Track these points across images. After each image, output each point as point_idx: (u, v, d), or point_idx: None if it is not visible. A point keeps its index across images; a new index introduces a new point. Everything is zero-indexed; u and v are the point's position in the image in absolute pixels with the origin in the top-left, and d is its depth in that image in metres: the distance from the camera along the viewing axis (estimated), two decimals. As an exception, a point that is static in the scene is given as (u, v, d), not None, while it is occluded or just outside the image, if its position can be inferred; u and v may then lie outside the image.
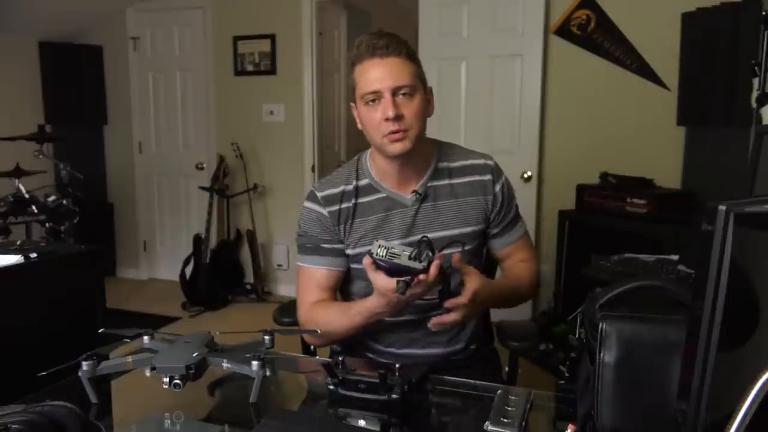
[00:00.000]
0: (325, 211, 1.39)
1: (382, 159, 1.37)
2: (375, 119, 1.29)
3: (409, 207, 1.39)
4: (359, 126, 1.37)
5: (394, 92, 1.27)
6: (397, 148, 1.29)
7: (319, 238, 1.41)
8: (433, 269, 1.11)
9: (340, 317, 1.34)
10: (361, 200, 1.40)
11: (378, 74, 1.27)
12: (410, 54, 1.30)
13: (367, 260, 1.15)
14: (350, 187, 1.41)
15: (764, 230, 0.57)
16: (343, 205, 1.39)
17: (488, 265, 1.59)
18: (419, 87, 1.31)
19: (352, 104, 1.37)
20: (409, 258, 1.09)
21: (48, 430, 0.78)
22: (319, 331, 1.32)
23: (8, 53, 4.40)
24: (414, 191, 1.39)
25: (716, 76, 2.98)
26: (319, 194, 1.41)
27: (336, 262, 1.42)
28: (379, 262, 1.12)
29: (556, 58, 3.58)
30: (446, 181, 1.41)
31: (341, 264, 1.42)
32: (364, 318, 1.29)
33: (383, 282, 1.15)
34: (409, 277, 1.10)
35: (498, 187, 1.43)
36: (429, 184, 1.40)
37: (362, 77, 1.29)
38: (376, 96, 1.28)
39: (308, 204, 1.42)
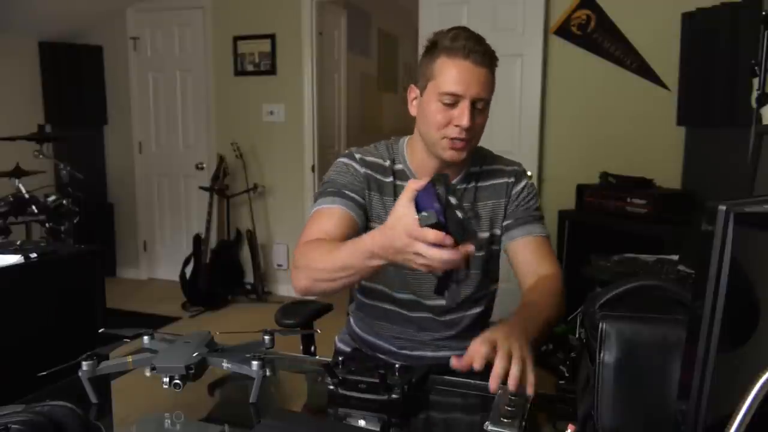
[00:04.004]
0: (361, 170, 1.35)
1: (424, 154, 1.34)
2: (443, 119, 1.25)
3: None
4: (413, 112, 1.34)
5: (473, 101, 1.23)
6: (453, 156, 1.27)
7: (345, 185, 1.33)
8: (461, 251, 0.87)
9: (331, 251, 1.12)
10: (397, 182, 1.37)
11: (466, 78, 1.22)
12: (494, 70, 1.28)
13: (414, 183, 0.92)
14: (387, 164, 1.37)
15: (764, 230, 0.57)
16: (378, 176, 1.35)
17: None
18: (490, 103, 1.29)
19: (413, 86, 1.33)
20: (460, 219, 0.87)
21: (48, 430, 0.78)
22: (318, 331, 1.31)
23: (8, 53, 4.40)
24: None
25: (716, 76, 2.98)
26: (358, 155, 1.37)
27: (354, 209, 1.31)
28: (430, 194, 0.88)
29: (556, 58, 3.58)
30: (472, 185, 1.39)
31: (358, 215, 1.31)
32: (357, 253, 1.03)
33: (406, 209, 0.90)
34: (441, 219, 0.85)
35: (517, 188, 1.40)
36: (459, 187, 1.38)
37: (447, 72, 1.23)
38: (455, 99, 1.23)
39: (344, 159, 1.37)
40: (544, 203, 3.65)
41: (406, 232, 0.89)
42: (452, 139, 1.25)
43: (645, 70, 3.40)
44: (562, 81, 3.59)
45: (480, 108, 1.25)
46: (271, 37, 4.38)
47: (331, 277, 1.10)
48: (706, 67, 3.05)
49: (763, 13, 2.17)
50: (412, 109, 1.33)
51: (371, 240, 0.99)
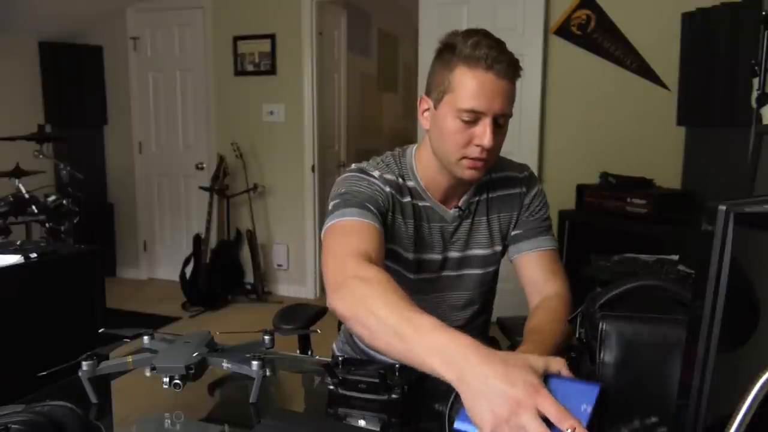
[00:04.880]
0: (386, 189, 1.20)
1: (436, 169, 1.23)
2: (462, 138, 1.13)
3: (449, 223, 1.28)
4: (425, 126, 1.21)
5: (496, 118, 1.13)
6: (473, 175, 1.17)
7: (368, 197, 1.17)
8: None
9: (396, 302, 0.86)
10: (414, 201, 1.26)
11: (489, 93, 1.10)
12: (517, 80, 1.17)
13: (565, 368, 0.76)
14: (400, 181, 1.24)
15: (764, 230, 0.57)
16: (396, 195, 1.23)
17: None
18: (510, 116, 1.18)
19: (426, 98, 1.20)
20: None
21: (48, 430, 0.78)
22: (319, 331, 1.30)
23: (8, 53, 4.40)
24: (457, 206, 1.28)
25: (716, 76, 2.98)
26: (376, 173, 1.22)
27: (380, 224, 1.14)
28: (581, 403, 0.68)
29: (556, 58, 3.58)
30: (484, 196, 1.31)
31: (382, 230, 1.15)
32: (433, 345, 0.76)
33: (538, 372, 0.71)
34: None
35: (528, 199, 1.34)
36: (471, 200, 1.30)
37: (466, 86, 1.11)
38: (476, 116, 1.12)
39: (360, 174, 1.22)
40: (544, 203, 3.67)
41: (533, 385, 0.67)
42: (473, 159, 1.14)
43: (645, 70, 3.40)
44: (562, 81, 3.59)
45: (501, 124, 1.15)
46: (271, 37, 4.38)
47: (375, 330, 0.86)
48: (706, 67, 3.05)
49: (763, 13, 2.17)
50: (424, 122, 1.21)
51: (465, 347, 0.72)
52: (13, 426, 0.75)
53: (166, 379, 0.99)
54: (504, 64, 1.11)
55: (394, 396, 1.00)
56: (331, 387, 1.03)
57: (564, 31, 3.54)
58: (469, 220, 1.31)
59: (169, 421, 1.01)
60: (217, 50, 4.54)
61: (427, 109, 1.21)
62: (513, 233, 1.33)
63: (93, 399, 1.02)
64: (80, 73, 4.77)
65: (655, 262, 2.49)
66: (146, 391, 1.11)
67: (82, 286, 2.08)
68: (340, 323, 1.65)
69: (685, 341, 0.61)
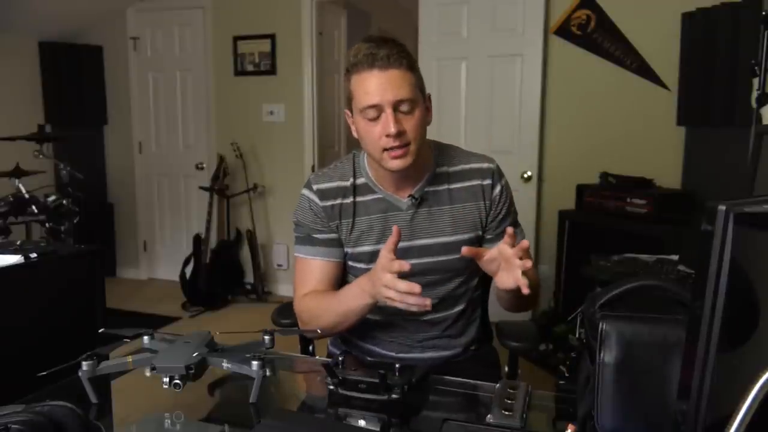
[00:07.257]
0: (320, 203, 1.37)
1: (377, 165, 1.34)
2: (374, 134, 1.24)
3: (404, 211, 1.36)
4: (355, 134, 1.33)
5: (395, 106, 1.21)
6: (398, 165, 1.25)
7: (311, 227, 1.38)
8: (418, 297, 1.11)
9: (330, 304, 1.32)
10: (358, 199, 1.37)
11: (378, 87, 1.21)
12: (411, 64, 1.24)
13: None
14: (347, 184, 1.37)
15: (764, 230, 0.57)
16: (338, 201, 1.36)
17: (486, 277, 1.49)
18: (419, 98, 1.26)
19: (347, 111, 1.33)
20: None
21: (48, 430, 0.78)
22: (319, 331, 1.31)
23: (8, 53, 4.39)
24: (410, 195, 1.35)
25: (716, 76, 2.98)
26: (315, 186, 1.38)
27: (331, 253, 1.38)
28: None
29: (556, 58, 3.58)
30: (444, 187, 1.37)
31: (336, 254, 1.39)
32: (351, 295, 1.26)
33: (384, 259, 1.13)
34: None
35: (496, 191, 1.39)
36: (426, 189, 1.36)
37: (360, 89, 1.23)
38: (376, 111, 1.22)
39: (304, 191, 1.40)
40: (544, 203, 3.67)
41: (379, 265, 1.14)
42: (390, 149, 1.24)
43: (645, 70, 3.39)
44: (562, 81, 3.58)
45: (406, 110, 1.23)
46: (271, 37, 4.38)
47: (335, 324, 1.32)
48: (706, 67, 3.05)
49: (763, 13, 2.17)
50: (354, 133, 1.33)
51: (360, 280, 1.23)
52: (13, 426, 0.75)
53: (166, 379, 0.99)
54: (383, 57, 1.21)
55: (394, 396, 1.00)
56: (331, 387, 1.03)
57: (564, 31, 3.54)
58: (428, 209, 1.37)
59: (169, 421, 1.01)
60: (217, 50, 4.54)
61: (351, 121, 1.33)
62: (488, 237, 1.39)
63: (93, 399, 1.03)
64: (80, 73, 4.76)
65: (655, 262, 2.48)
66: (146, 391, 1.12)
67: (82, 286, 2.08)
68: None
69: (685, 341, 0.61)
